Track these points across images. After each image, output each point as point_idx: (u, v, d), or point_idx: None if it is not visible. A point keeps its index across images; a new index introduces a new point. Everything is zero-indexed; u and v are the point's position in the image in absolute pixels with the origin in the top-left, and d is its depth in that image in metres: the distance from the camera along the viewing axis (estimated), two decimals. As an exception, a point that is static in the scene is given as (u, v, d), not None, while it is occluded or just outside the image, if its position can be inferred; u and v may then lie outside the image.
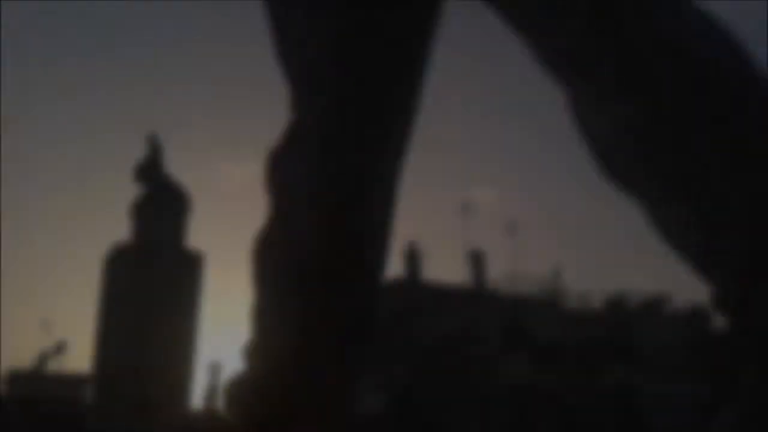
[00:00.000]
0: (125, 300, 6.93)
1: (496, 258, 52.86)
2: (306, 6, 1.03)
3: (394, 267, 27.31)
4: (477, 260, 25.35)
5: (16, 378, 26.81)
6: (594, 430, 21.22)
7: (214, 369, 24.47)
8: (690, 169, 0.93)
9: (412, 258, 28.48)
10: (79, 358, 46.83)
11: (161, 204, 7.71)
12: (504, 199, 57.09)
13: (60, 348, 29.89)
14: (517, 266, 28.93)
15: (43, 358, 29.67)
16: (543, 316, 26.22)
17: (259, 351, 1.10)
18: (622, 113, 0.94)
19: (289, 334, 1.07)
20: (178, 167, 24.24)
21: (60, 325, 54.37)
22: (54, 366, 29.90)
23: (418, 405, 22.54)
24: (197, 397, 22.19)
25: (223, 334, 29.04)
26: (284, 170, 1.09)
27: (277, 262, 1.09)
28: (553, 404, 25.04)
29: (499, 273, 29.03)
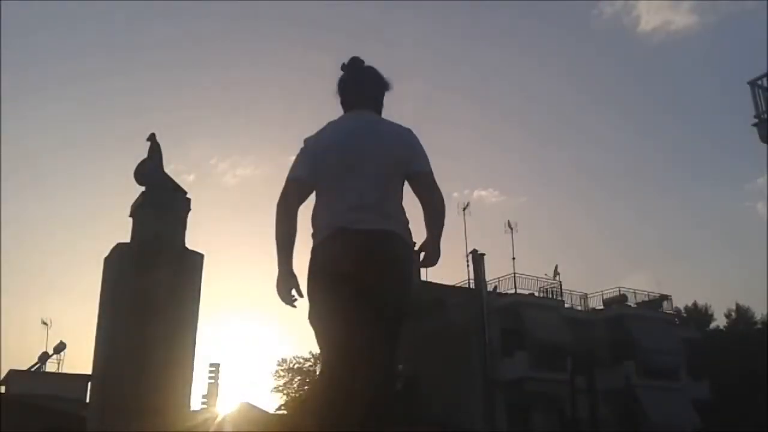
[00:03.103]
0: (125, 300, 6.97)
1: (496, 258, 52.86)
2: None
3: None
4: (477, 260, 25.33)
5: (16, 377, 26.86)
6: (594, 429, 21.24)
7: (214, 369, 24.54)
8: None
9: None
10: (79, 358, 46.88)
11: (161, 204, 7.76)
12: (504, 199, 57.16)
13: (59, 348, 29.94)
14: (517, 266, 28.90)
15: (43, 358, 29.71)
16: (543, 316, 26.21)
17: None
18: None
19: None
20: (178, 167, 24.27)
21: (60, 325, 54.49)
22: (53, 366, 29.95)
23: (417, 404, 22.56)
24: (197, 398, 22.32)
25: (223, 334, 29.08)
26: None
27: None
28: (553, 404, 25.09)
29: (499, 273, 29.01)
